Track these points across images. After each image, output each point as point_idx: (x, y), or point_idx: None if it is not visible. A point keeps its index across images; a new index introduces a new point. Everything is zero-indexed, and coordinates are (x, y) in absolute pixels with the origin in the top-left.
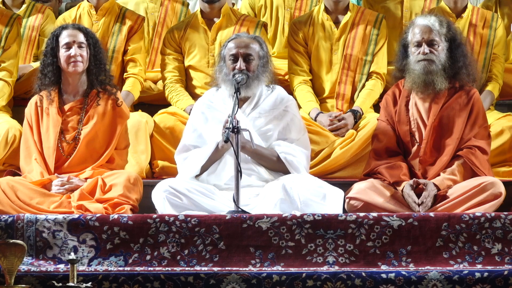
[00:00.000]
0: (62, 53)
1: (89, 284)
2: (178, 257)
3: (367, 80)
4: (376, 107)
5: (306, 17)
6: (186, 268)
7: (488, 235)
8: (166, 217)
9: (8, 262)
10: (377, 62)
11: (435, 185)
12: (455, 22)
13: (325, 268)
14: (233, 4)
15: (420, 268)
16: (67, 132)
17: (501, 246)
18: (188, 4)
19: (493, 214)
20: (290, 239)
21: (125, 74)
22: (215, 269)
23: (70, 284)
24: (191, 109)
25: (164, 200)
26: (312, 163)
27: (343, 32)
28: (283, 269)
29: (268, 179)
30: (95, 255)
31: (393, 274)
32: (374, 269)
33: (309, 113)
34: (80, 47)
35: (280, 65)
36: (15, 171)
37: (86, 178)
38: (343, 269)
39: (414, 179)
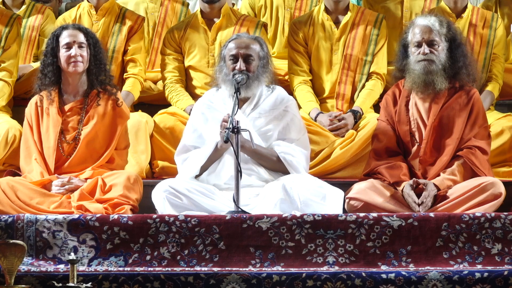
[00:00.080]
0: (63, 53)
1: (89, 284)
2: (178, 257)
3: (367, 80)
4: (376, 107)
5: (306, 17)
6: (186, 268)
7: (488, 235)
8: (166, 217)
9: (8, 262)
10: (377, 62)
11: (435, 185)
12: (455, 22)
13: (325, 268)
14: (233, 4)
15: (420, 268)
16: (67, 132)
17: (501, 246)
18: (188, 4)
19: (493, 214)
20: (290, 239)
21: (125, 74)
22: (215, 269)
23: (70, 284)
24: (191, 109)
25: (164, 200)
26: (312, 163)
27: (343, 32)
28: (283, 269)
29: (268, 179)
30: (95, 255)
31: (393, 274)
32: (374, 269)
33: (309, 113)
34: (80, 47)
35: (280, 65)
36: (15, 171)
37: (86, 178)
38: (343, 269)
39: (414, 179)
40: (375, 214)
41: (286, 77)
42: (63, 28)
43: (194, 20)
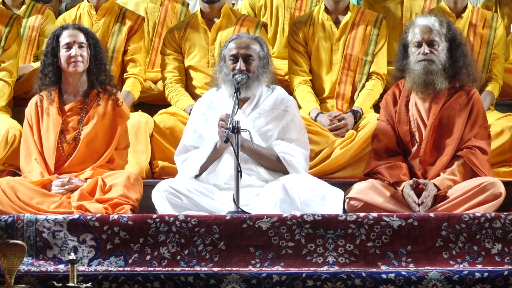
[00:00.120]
0: (63, 53)
1: (89, 284)
2: (178, 257)
3: (367, 80)
4: (376, 107)
5: (306, 17)
6: (186, 268)
7: (488, 235)
8: (166, 217)
9: (8, 262)
10: (377, 62)
11: (435, 185)
12: (455, 22)
13: (325, 268)
14: (233, 4)
15: (420, 268)
16: (67, 132)
17: (501, 246)
18: (188, 4)
19: (493, 214)
20: (290, 239)
21: (125, 74)
22: (215, 269)
23: (70, 284)
24: (191, 109)
25: (164, 200)
26: (312, 163)
27: (343, 32)
28: (283, 269)
29: (268, 179)
30: (95, 255)
31: (393, 274)
32: (374, 269)
33: (309, 113)
34: (80, 47)
35: (280, 65)
36: (15, 171)
37: (86, 178)
38: (343, 269)
39: (414, 179)
40: (375, 214)
41: (286, 77)
42: (63, 28)
43: (194, 20)
